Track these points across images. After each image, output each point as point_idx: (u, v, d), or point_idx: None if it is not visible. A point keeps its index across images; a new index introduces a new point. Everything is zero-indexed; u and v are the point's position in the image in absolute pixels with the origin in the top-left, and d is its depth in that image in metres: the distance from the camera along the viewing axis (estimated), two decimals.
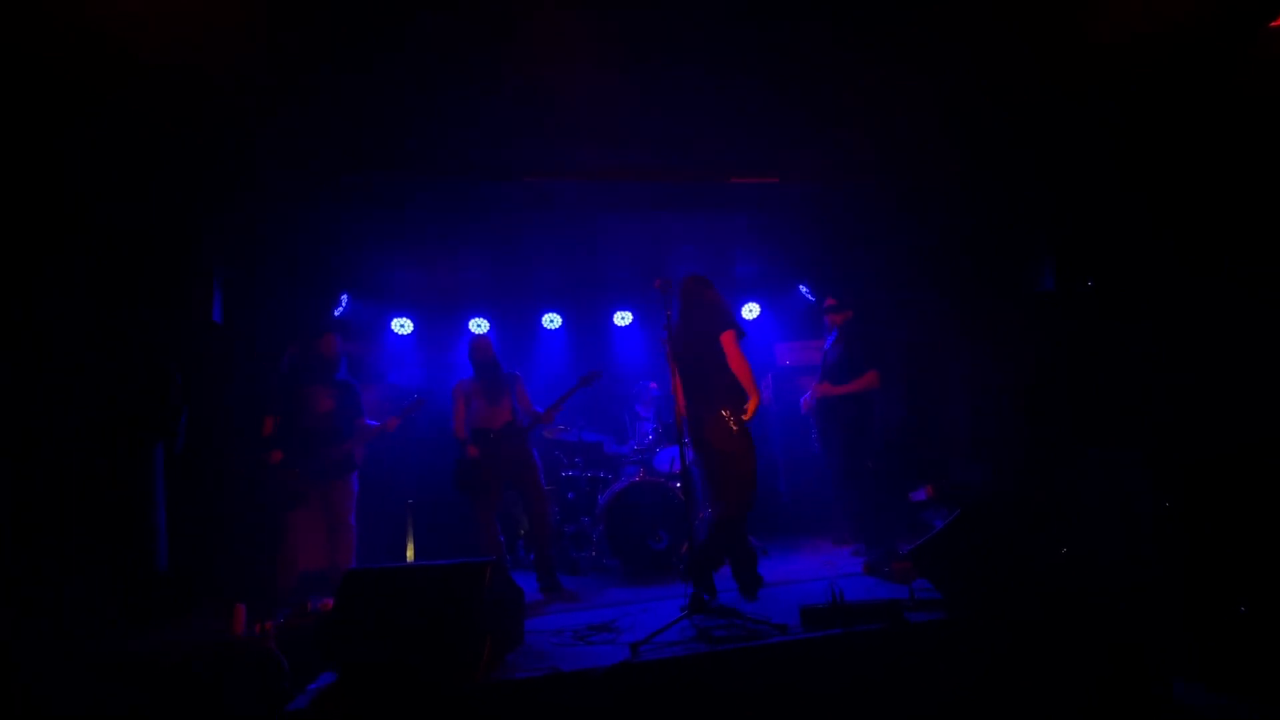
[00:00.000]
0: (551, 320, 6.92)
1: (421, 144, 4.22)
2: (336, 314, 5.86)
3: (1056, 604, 2.94)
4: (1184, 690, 3.00)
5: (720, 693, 2.63)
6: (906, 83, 3.85)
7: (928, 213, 5.27)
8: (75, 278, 3.89)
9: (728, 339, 3.78)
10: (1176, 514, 3.47)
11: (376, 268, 6.07)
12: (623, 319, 7.00)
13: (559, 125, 4.07)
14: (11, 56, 3.10)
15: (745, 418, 3.71)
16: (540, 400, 4.82)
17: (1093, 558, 3.46)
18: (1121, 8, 3.33)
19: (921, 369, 5.79)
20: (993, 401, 5.05)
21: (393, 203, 4.78)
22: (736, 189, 5.03)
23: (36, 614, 3.30)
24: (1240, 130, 3.88)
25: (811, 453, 5.68)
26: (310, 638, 3.13)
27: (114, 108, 3.52)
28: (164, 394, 4.16)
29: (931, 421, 5.66)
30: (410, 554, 5.14)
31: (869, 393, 4.92)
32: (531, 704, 2.50)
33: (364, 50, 3.34)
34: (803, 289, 6.87)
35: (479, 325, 6.62)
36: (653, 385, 6.05)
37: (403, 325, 6.50)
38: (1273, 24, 3.40)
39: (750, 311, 7.10)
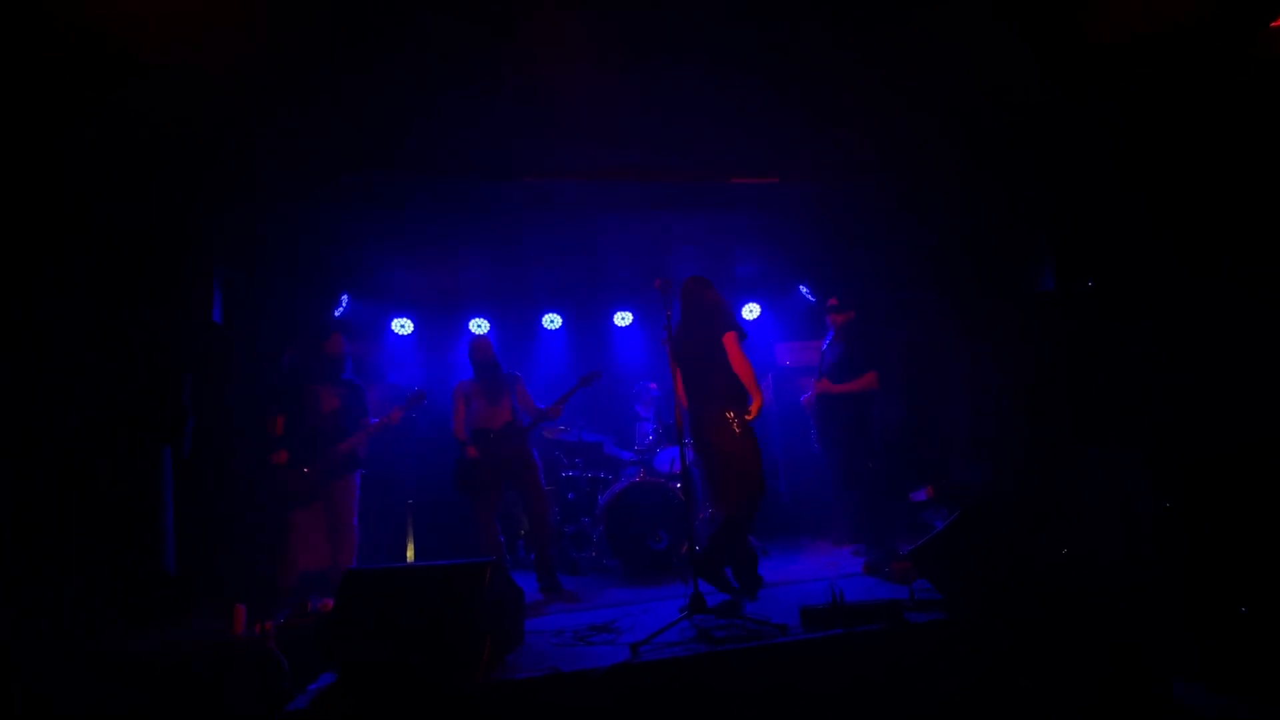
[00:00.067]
0: (551, 320, 6.92)
1: (422, 144, 4.22)
2: (337, 314, 5.86)
3: (1057, 604, 2.94)
4: (1184, 690, 3.00)
5: (720, 693, 2.63)
6: (906, 82, 3.85)
7: (928, 213, 5.27)
8: (76, 278, 3.89)
9: (729, 340, 3.79)
10: (1177, 514, 3.47)
11: (377, 268, 6.07)
12: (623, 319, 7.00)
13: (559, 125, 4.07)
14: (12, 56, 3.10)
15: (749, 418, 3.72)
16: (541, 400, 4.82)
17: (1093, 558, 3.46)
18: (1122, 8, 3.33)
19: (922, 369, 5.79)
20: (993, 401, 5.05)
21: (393, 203, 4.78)
22: (737, 189, 5.03)
23: (38, 614, 3.30)
24: (1240, 130, 3.88)
25: (811, 453, 5.68)
26: (310, 638, 3.13)
27: (114, 108, 3.52)
28: (171, 398, 4.17)
29: (932, 421, 5.65)
30: (410, 554, 5.14)
31: (868, 393, 4.92)
32: (531, 704, 2.49)
33: (363, 50, 3.34)
34: (803, 289, 6.87)
35: (479, 325, 6.62)
36: (653, 386, 6.05)
37: (403, 325, 6.50)
38: (1273, 24, 3.39)
39: (751, 312, 7.10)
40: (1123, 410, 4.12)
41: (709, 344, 3.83)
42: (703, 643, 2.80)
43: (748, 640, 2.79)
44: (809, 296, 6.84)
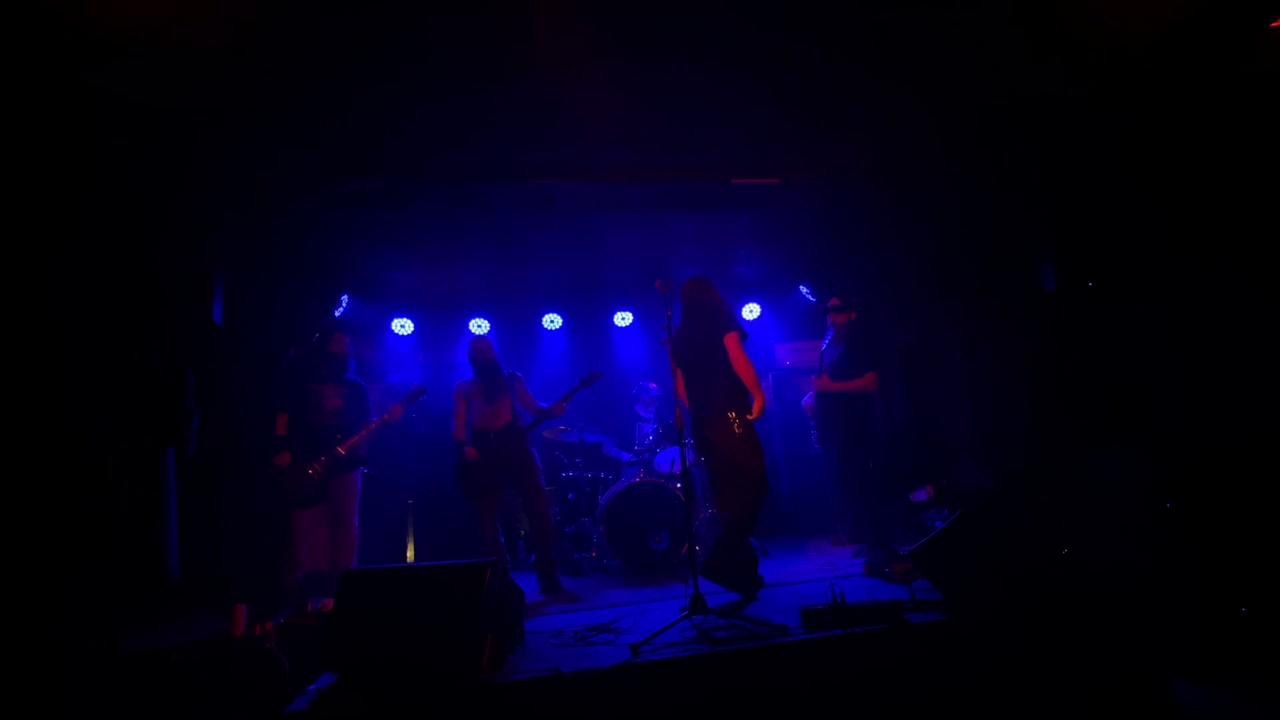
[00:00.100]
0: (552, 321, 6.92)
1: (423, 145, 4.22)
2: (337, 314, 5.87)
3: (1057, 604, 2.94)
4: (1184, 690, 3.00)
5: (720, 694, 2.63)
6: (907, 83, 3.85)
7: (928, 213, 5.27)
8: (78, 279, 3.89)
9: (731, 341, 3.79)
10: (1177, 514, 3.46)
11: (377, 268, 6.08)
12: (623, 320, 7.00)
13: (560, 126, 4.07)
14: (14, 58, 3.10)
15: (751, 417, 3.72)
16: (541, 400, 4.82)
17: (1093, 558, 3.46)
18: (1122, 8, 3.33)
19: (922, 369, 5.79)
20: (993, 402, 5.05)
21: (393, 203, 4.78)
22: (737, 189, 5.03)
23: (41, 614, 3.30)
24: (1241, 131, 3.88)
25: (811, 453, 5.68)
26: (310, 638, 3.13)
27: (116, 109, 3.52)
28: (176, 399, 4.18)
29: (932, 421, 5.65)
30: (410, 554, 5.14)
31: (868, 393, 4.92)
32: (531, 704, 2.49)
33: (364, 53, 3.34)
34: (803, 289, 6.87)
35: (479, 325, 6.62)
36: (653, 386, 6.05)
37: (403, 326, 6.51)
38: (1273, 24, 3.39)
39: (751, 312, 7.11)
40: (1123, 410, 4.12)
41: (711, 345, 3.83)
42: (703, 643, 2.79)
43: (748, 641, 2.78)
44: (809, 297, 6.84)
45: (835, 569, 4.34)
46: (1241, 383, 3.70)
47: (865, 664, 2.75)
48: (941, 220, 5.27)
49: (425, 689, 2.48)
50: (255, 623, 3.14)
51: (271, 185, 4.41)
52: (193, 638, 3.24)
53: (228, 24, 3.06)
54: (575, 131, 4.12)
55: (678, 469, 5.37)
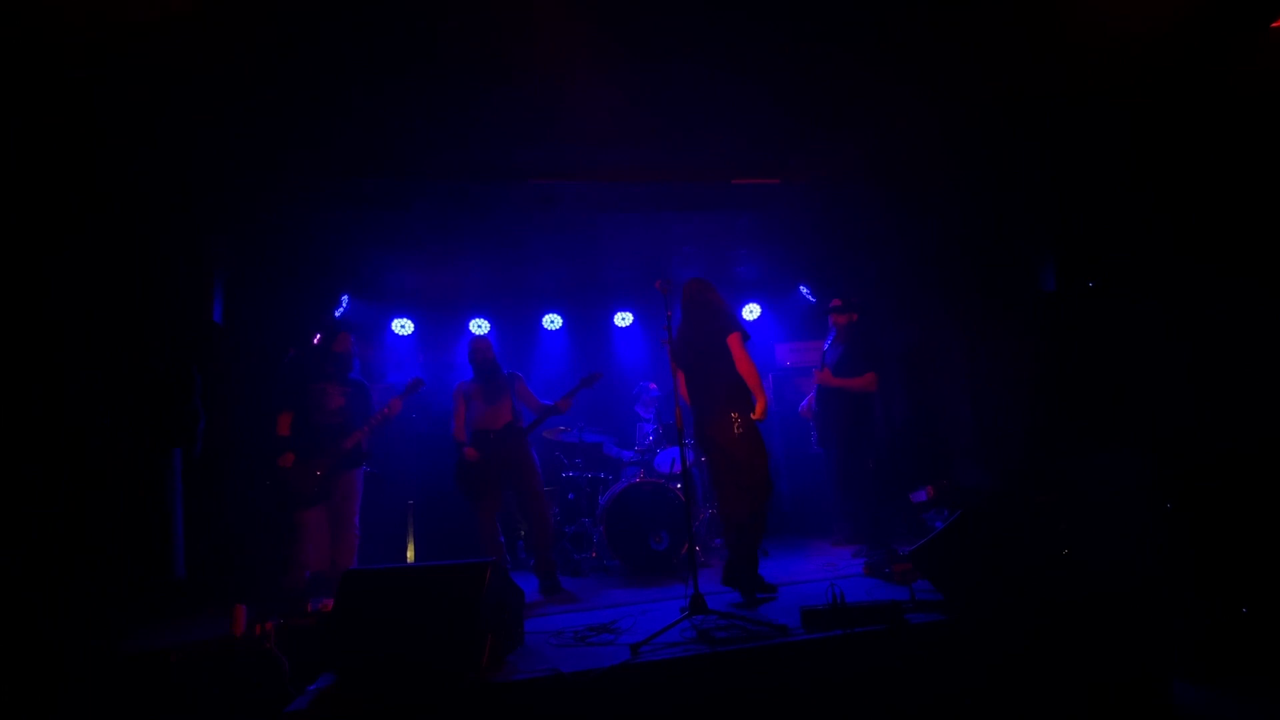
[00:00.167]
0: (552, 321, 6.92)
1: (424, 146, 4.22)
2: (337, 314, 5.87)
3: (1057, 605, 2.94)
4: (1184, 690, 3.00)
5: (720, 694, 2.63)
6: (907, 83, 3.85)
7: (929, 214, 5.27)
8: (81, 280, 3.90)
9: (734, 341, 3.80)
10: (1177, 515, 3.46)
11: (377, 268, 6.08)
12: (623, 320, 7.00)
13: (561, 127, 4.07)
14: (14, 58, 3.10)
15: (755, 418, 3.73)
16: (543, 399, 4.82)
17: (1093, 558, 3.46)
18: (1122, 8, 3.33)
19: (922, 369, 5.79)
20: (994, 402, 5.04)
21: (394, 203, 4.78)
22: (738, 190, 5.03)
23: (40, 614, 3.31)
24: (1241, 131, 3.88)
25: (811, 453, 5.68)
26: (310, 638, 3.13)
27: (116, 109, 3.52)
28: (182, 399, 4.18)
29: (933, 422, 5.65)
30: (410, 554, 5.14)
31: (868, 394, 4.92)
32: (531, 705, 2.49)
33: (366, 54, 3.34)
34: (803, 290, 6.87)
35: (479, 326, 6.62)
36: (653, 386, 6.05)
37: (403, 326, 6.51)
38: (1273, 24, 3.39)
39: (751, 312, 7.10)
40: (1123, 410, 4.12)
41: (713, 346, 3.84)
42: (703, 644, 2.79)
43: (748, 641, 2.78)
44: (809, 297, 6.84)
45: (835, 569, 4.34)
46: (1242, 383, 3.70)
47: (865, 664, 2.75)
48: (941, 220, 5.27)
49: (425, 689, 2.48)
50: (255, 623, 3.14)
51: (271, 185, 4.41)
52: (193, 638, 3.24)
53: (228, 23, 3.06)
54: (575, 131, 4.11)
55: (678, 469, 5.37)
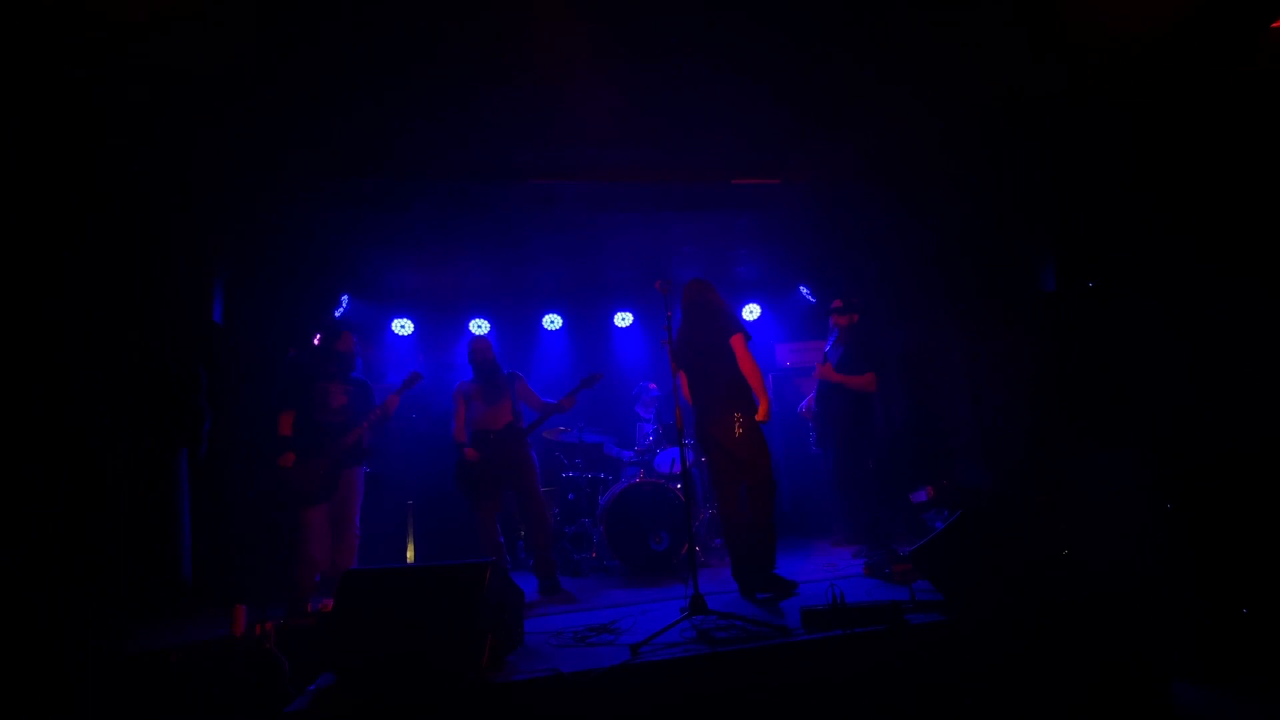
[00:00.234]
0: (552, 321, 6.92)
1: (424, 147, 4.22)
2: (337, 315, 5.87)
3: (1057, 605, 2.94)
4: (1184, 690, 2.99)
5: (720, 694, 2.62)
6: (907, 83, 3.85)
7: (929, 214, 5.27)
8: (79, 280, 3.90)
9: (737, 342, 3.80)
10: (1177, 515, 3.46)
11: (377, 268, 6.08)
12: (623, 320, 7.00)
13: (562, 127, 4.07)
14: (14, 58, 3.10)
15: (758, 419, 3.73)
16: (544, 398, 4.83)
17: (1093, 558, 3.46)
18: (1123, 9, 3.33)
19: (922, 369, 5.79)
20: (994, 402, 5.04)
21: (394, 203, 4.79)
22: (738, 190, 5.03)
23: (40, 614, 3.31)
24: (1241, 131, 3.88)
25: (811, 453, 5.68)
26: (310, 638, 3.13)
27: (116, 109, 3.52)
28: (188, 399, 4.18)
29: (933, 422, 5.65)
30: (410, 554, 5.14)
31: (867, 395, 4.92)
32: (531, 705, 2.49)
33: (366, 54, 3.34)
34: (803, 290, 6.87)
35: (479, 326, 6.62)
36: (653, 386, 6.05)
37: (403, 326, 6.51)
38: (1273, 24, 3.39)
39: (751, 312, 7.11)
40: (1123, 410, 4.12)
41: (716, 347, 3.84)
42: (703, 644, 2.79)
43: (748, 641, 2.78)
44: (809, 297, 6.84)
45: (835, 569, 4.34)
46: (1242, 383, 3.70)
47: (865, 664, 2.75)
48: (941, 220, 5.27)
49: (425, 689, 2.48)
50: (256, 623, 3.14)
51: (271, 185, 4.41)
52: (194, 638, 3.24)
53: (228, 24, 3.06)
54: (575, 131, 4.12)
55: (678, 469, 5.37)
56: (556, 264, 6.38)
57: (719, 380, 3.82)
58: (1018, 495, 4.30)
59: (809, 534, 5.97)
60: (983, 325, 5.14)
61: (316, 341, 4.90)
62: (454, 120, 3.98)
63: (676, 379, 3.84)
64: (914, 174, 4.83)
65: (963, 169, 4.72)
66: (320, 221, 5.04)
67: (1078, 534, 3.49)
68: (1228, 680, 3.08)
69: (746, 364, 3.78)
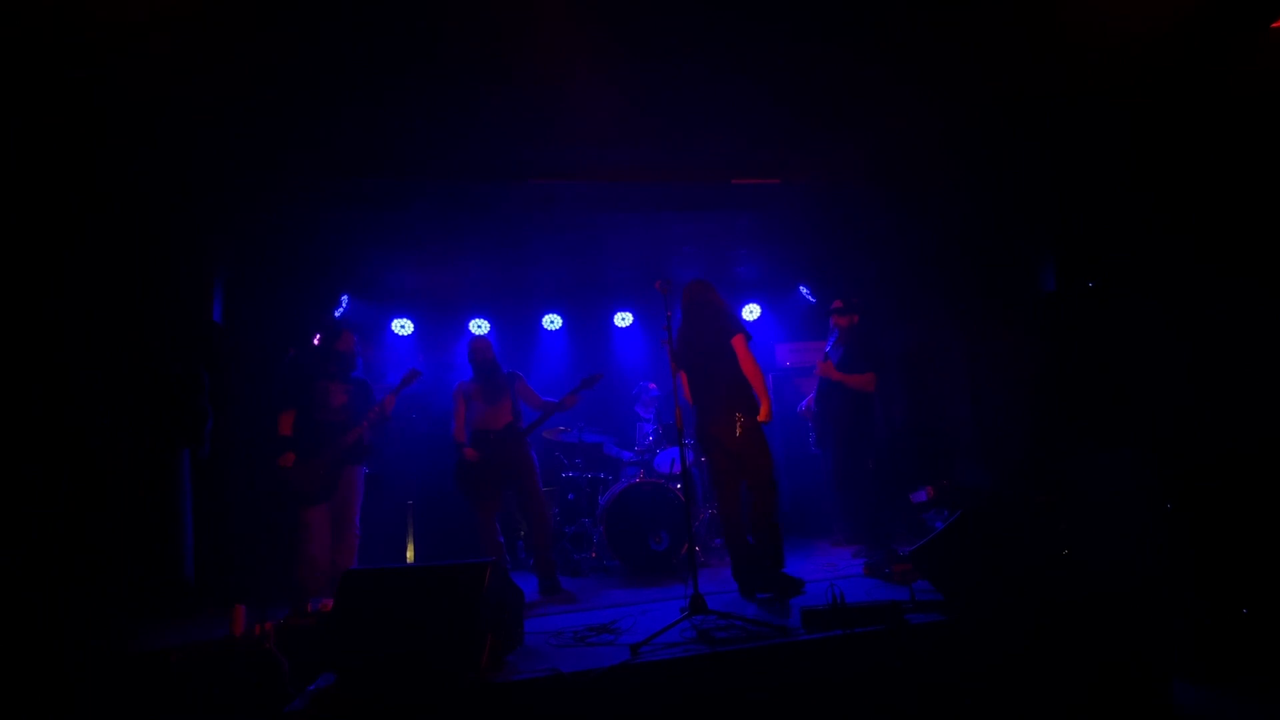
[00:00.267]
0: (552, 321, 6.92)
1: (424, 146, 4.22)
2: (337, 315, 5.86)
3: (1057, 605, 2.94)
4: (1184, 690, 2.99)
5: (720, 694, 2.62)
6: (907, 83, 3.85)
7: (929, 214, 5.27)
8: (79, 280, 3.90)
9: (739, 343, 3.80)
10: (1177, 515, 3.46)
11: (377, 268, 6.08)
12: (623, 320, 7.00)
13: (562, 127, 4.07)
14: (14, 58, 3.10)
15: (761, 420, 3.73)
16: (544, 397, 4.82)
17: (1093, 558, 3.46)
18: (1123, 9, 3.33)
19: (922, 369, 5.79)
20: (994, 402, 5.04)
21: (394, 203, 4.79)
22: (738, 190, 5.03)
23: (40, 615, 3.31)
24: (1241, 131, 3.87)
25: (811, 453, 5.68)
26: (310, 638, 3.13)
27: (116, 109, 3.52)
28: (190, 399, 4.18)
29: (932, 421, 5.65)
30: (410, 554, 5.14)
31: (867, 395, 4.92)
32: (531, 705, 2.49)
33: (366, 54, 3.34)
34: (803, 290, 6.87)
35: (479, 326, 6.62)
36: (653, 386, 6.05)
37: (403, 326, 6.51)
38: (1273, 25, 3.39)
39: (751, 312, 7.11)
40: (1123, 411, 4.11)
41: (717, 347, 3.84)
42: (702, 644, 2.79)
43: (747, 641, 2.78)
44: (809, 297, 6.84)
45: (835, 569, 4.34)
46: (1241, 383, 3.70)
47: (865, 664, 2.75)
48: (941, 220, 5.27)
49: (425, 689, 2.48)
50: (255, 623, 3.15)
51: (271, 185, 4.41)
52: (194, 638, 3.24)
53: (228, 24, 3.06)
54: (575, 131, 4.11)
55: (678, 469, 5.36)
56: (556, 264, 6.37)
57: (720, 381, 3.82)
58: (1018, 495, 4.30)
59: (809, 534, 5.97)
60: (983, 325, 5.14)
61: (316, 341, 4.90)
62: (454, 120, 3.97)
63: (676, 379, 3.84)
64: (914, 174, 4.83)
65: (963, 169, 4.72)
66: (320, 221, 5.03)
67: (1078, 534, 3.49)
68: (1228, 680, 3.08)
69: (748, 364, 3.78)
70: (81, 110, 3.46)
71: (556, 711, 2.50)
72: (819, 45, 3.50)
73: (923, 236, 5.49)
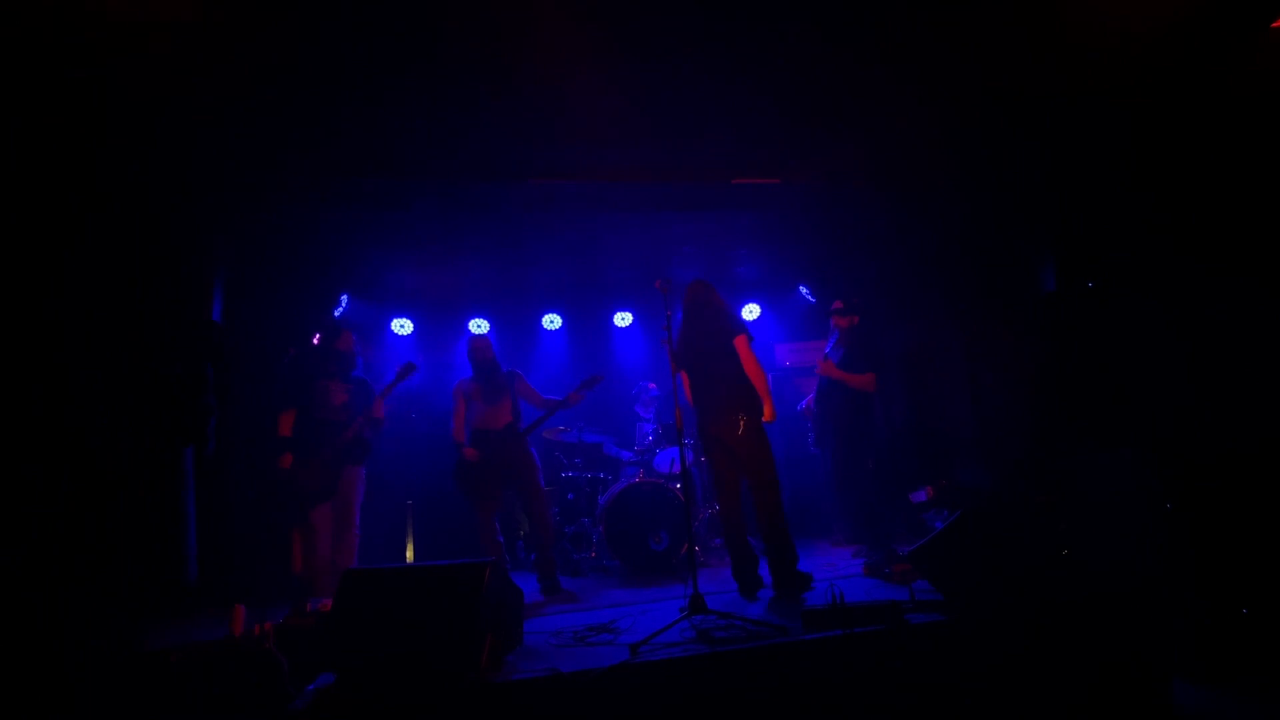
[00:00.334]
0: (552, 321, 6.92)
1: (424, 146, 4.22)
2: (337, 314, 5.86)
3: (1057, 605, 2.94)
4: (1184, 690, 2.99)
5: (720, 694, 2.62)
6: (907, 83, 3.85)
7: (929, 214, 5.27)
8: (79, 280, 3.90)
9: (741, 343, 3.81)
10: (1177, 515, 3.46)
11: (377, 268, 6.07)
12: (623, 320, 7.00)
13: (562, 128, 4.07)
14: (14, 58, 3.10)
15: (765, 419, 3.74)
16: (544, 395, 4.82)
17: (1093, 558, 3.45)
18: (1123, 8, 3.33)
19: (922, 369, 5.79)
20: (994, 402, 5.04)
21: (394, 203, 4.79)
22: (738, 190, 5.03)
23: (40, 615, 3.31)
24: (1241, 131, 3.87)
25: (811, 453, 5.68)
26: (310, 638, 3.13)
27: (116, 109, 3.52)
28: (194, 396, 4.18)
29: (932, 421, 5.65)
30: (410, 554, 5.14)
31: (867, 394, 4.92)
32: (531, 705, 2.49)
33: (366, 54, 3.34)
34: (803, 290, 6.87)
35: (479, 326, 6.62)
36: (652, 386, 6.05)
37: (403, 326, 6.51)
38: (1273, 24, 3.39)
39: (751, 312, 7.11)
40: (1123, 411, 4.11)
41: (719, 348, 3.85)
42: (702, 643, 2.79)
43: (747, 641, 2.78)
44: (809, 297, 6.84)
45: (835, 569, 4.35)
46: (1241, 383, 3.70)
47: (865, 664, 2.75)
48: (941, 220, 5.27)
49: (424, 689, 2.48)
50: (255, 623, 3.14)
51: (272, 185, 4.41)
52: (194, 638, 3.24)
53: (228, 24, 3.06)
54: (575, 131, 4.12)
55: (677, 469, 5.37)
56: (556, 264, 6.37)
57: (722, 381, 3.82)
58: (1018, 495, 4.29)
59: (809, 534, 5.96)
60: (983, 325, 5.14)
61: (316, 341, 4.90)
62: (454, 120, 3.97)
63: (677, 379, 3.85)
64: (914, 174, 4.83)
65: (963, 169, 4.72)
66: (320, 221, 5.03)
67: (1078, 534, 3.49)
68: (1228, 680, 3.07)
69: (750, 365, 3.79)
70: (81, 110, 3.46)
71: (556, 711, 2.51)
72: (819, 45, 3.50)
73: (922, 236, 5.49)
